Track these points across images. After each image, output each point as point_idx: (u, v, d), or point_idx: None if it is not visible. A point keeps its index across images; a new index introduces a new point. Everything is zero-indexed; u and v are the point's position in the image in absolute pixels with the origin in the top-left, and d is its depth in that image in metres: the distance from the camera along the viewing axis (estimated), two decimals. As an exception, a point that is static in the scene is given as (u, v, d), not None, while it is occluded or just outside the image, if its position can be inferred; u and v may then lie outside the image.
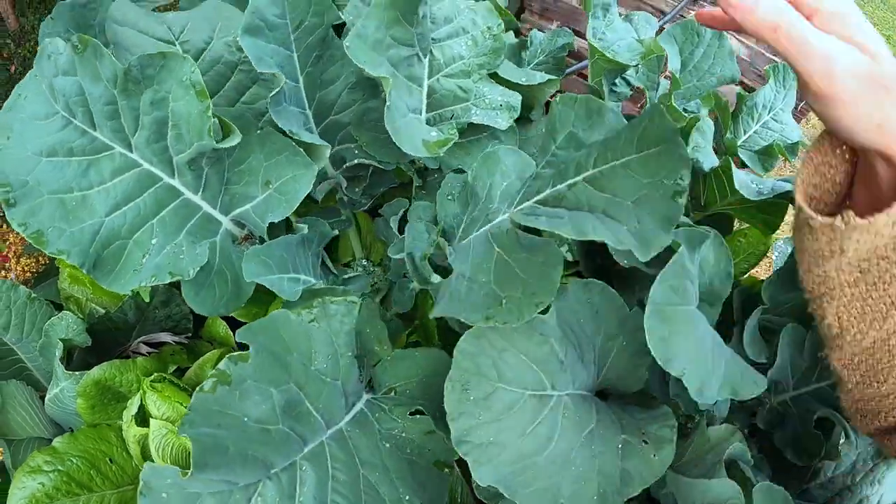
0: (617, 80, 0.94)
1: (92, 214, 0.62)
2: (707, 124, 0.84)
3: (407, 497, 0.64)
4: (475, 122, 0.75)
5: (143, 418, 0.77)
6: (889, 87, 0.44)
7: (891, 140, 0.44)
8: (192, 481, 0.49)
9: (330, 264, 0.79)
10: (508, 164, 0.67)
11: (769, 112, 1.02)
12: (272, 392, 0.57)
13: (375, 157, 0.77)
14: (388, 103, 0.67)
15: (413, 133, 0.69)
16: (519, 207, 0.61)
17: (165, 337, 0.86)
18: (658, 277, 0.54)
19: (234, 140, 0.61)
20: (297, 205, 0.67)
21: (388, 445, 0.66)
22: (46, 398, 0.82)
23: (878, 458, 0.84)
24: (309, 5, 0.72)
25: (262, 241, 0.70)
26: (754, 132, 1.00)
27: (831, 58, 0.44)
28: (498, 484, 0.60)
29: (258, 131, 0.68)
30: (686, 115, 0.79)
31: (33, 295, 0.83)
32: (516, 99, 0.77)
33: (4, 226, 1.87)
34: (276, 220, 0.66)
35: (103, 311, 0.87)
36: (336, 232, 0.77)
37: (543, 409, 0.62)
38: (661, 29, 1.01)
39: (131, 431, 0.77)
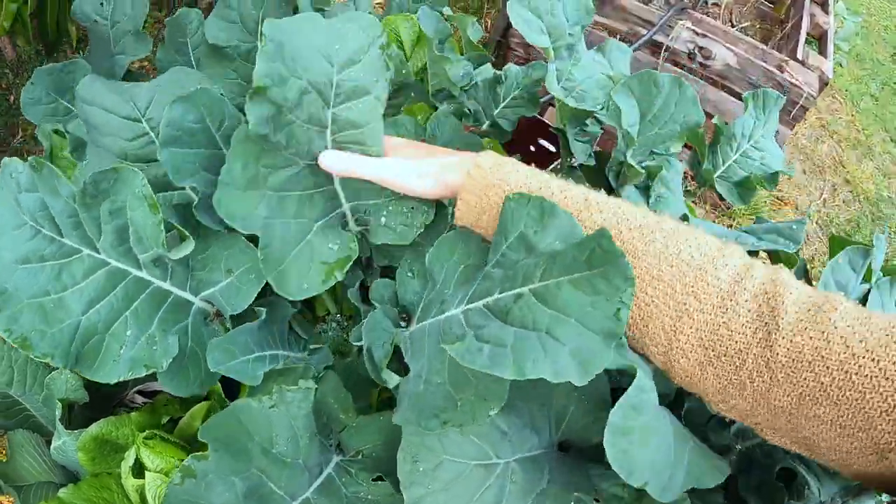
0: (587, 120, 0.94)
1: (69, 314, 0.67)
2: (673, 171, 0.85)
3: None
4: (386, 224, 0.77)
5: (139, 469, 0.85)
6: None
7: None
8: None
9: (299, 330, 0.84)
10: (461, 252, 0.70)
11: (749, 140, 1.01)
12: (234, 481, 0.62)
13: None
14: (266, 248, 0.69)
15: (304, 270, 0.72)
16: (469, 307, 0.64)
17: (158, 386, 0.93)
18: (618, 403, 0.56)
19: (187, 249, 0.65)
20: (255, 295, 0.71)
21: (351, 508, 0.73)
22: (52, 447, 0.90)
23: (848, 496, 0.86)
24: (223, 105, 0.74)
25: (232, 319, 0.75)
26: (734, 162, 1.00)
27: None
28: (451, 552, 0.66)
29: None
30: (642, 169, 0.80)
31: (33, 356, 0.89)
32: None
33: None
34: (238, 311, 0.71)
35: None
36: (295, 309, 0.81)
37: (490, 476, 0.67)
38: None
39: (129, 482, 0.84)
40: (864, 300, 0.97)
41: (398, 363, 0.71)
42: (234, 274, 0.73)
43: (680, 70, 1.96)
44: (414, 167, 0.70)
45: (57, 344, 0.66)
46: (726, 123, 1.00)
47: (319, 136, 0.71)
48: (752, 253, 0.85)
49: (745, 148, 1.01)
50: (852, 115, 3.57)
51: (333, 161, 0.70)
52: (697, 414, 0.87)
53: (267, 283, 0.72)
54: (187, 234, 0.65)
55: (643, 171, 0.80)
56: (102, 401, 0.92)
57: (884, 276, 0.97)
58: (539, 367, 0.56)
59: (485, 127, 0.98)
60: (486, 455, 0.67)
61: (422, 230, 0.76)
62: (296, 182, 0.73)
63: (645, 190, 0.85)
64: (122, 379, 0.68)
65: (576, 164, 0.93)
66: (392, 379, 0.67)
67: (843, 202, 3.12)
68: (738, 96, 1.89)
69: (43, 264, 0.66)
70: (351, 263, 0.74)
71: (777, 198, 3.00)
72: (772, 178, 0.92)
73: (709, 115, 1.21)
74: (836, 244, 0.98)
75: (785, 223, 0.91)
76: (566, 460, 0.76)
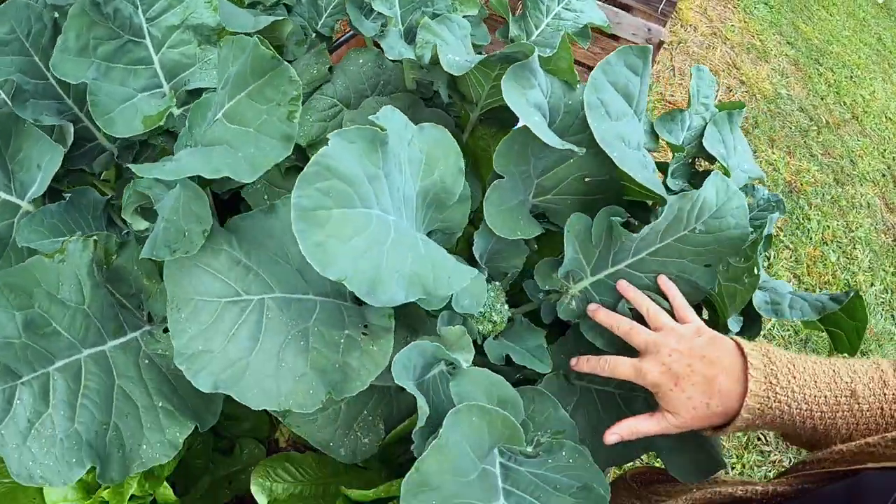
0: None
1: None
2: (454, 19, 0.86)
3: (160, 403, 0.75)
4: (201, 86, 0.81)
5: None
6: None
7: None
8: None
9: (120, 222, 0.89)
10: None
11: (559, 3, 1.00)
12: (15, 314, 0.69)
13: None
14: (94, 98, 0.75)
15: (129, 116, 0.77)
16: (192, 147, 0.68)
17: None
18: (297, 182, 0.56)
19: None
20: (50, 178, 0.77)
21: (146, 361, 0.77)
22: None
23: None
24: (30, 13, 0.81)
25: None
26: (547, 26, 0.99)
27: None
28: (219, 388, 0.69)
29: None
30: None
31: None
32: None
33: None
34: (38, 194, 0.78)
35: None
36: (105, 198, 0.86)
37: (243, 313, 0.70)
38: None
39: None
40: (699, 135, 0.94)
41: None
42: (42, 168, 0.79)
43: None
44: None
45: None
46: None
47: (135, 12, 0.79)
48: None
49: (556, 10, 1.00)
50: (745, 23, 3.67)
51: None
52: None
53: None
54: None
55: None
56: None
57: (720, 111, 0.94)
58: (240, 169, 0.61)
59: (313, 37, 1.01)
60: (234, 292, 0.70)
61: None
62: (123, 54, 0.80)
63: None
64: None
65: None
66: (140, 223, 0.71)
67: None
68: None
69: None
70: (168, 112, 0.80)
71: (667, 101, 3.02)
72: (582, 32, 0.91)
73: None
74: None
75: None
76: (348, 306, 0.77)
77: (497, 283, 0.86)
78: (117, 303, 0.79)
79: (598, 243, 0.80)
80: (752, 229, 0.76)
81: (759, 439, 2.25)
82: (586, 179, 0.86)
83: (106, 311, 0.76)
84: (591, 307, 0.82)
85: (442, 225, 0.79)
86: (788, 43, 3.76)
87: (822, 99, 3.54)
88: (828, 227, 2.95)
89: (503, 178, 0.80)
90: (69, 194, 0.83)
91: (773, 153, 3.15)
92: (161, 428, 0.74)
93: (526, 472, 0.70)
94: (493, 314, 0.82)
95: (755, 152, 3.11)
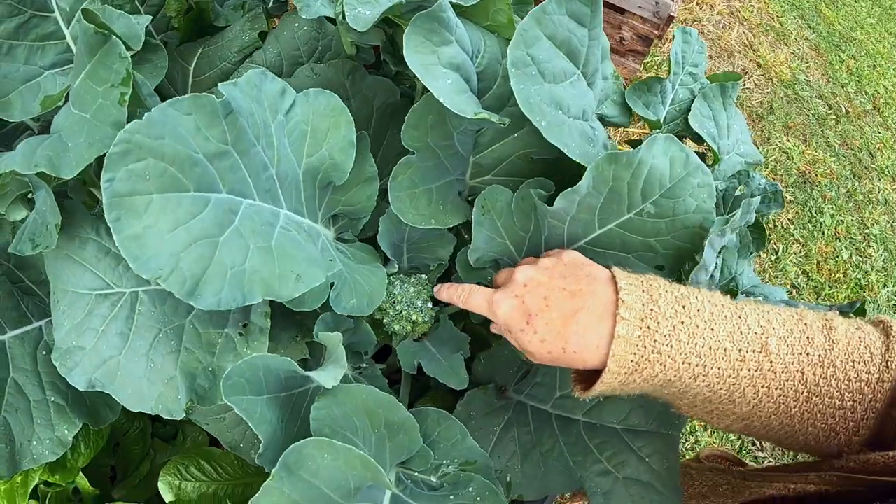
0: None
1: None
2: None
3: (52, 398, 0.72)
4: None
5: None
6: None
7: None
8: None
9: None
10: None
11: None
12: None
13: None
14: None
15: (29, 97, 0.72)
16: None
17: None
18: (105, 163, 0.48)
19: None
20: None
21: (44, 353, 0.73)
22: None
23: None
24: None
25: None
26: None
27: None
28: (95, 387, 0.64)
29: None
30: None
31: None
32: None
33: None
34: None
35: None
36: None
37: (114, 307, 0.64)
38: None
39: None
40: (686, 111, 0.76)
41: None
42: None
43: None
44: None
45: None
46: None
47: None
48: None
49: None
50: (765, 3, 3.45)
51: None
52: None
53: None
54: None
55: None
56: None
57: (711, 82, 0.75)
58: (63, 163, 0.55)
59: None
60: (104, 284, 0.65)
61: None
62: (28, 31, 0.74)
63: None
64: None
65: None
66: (17, 213, 0.67)
67: (756, 85, 3.01)
68: None
69: None
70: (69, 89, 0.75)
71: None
72: None
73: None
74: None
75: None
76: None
77: (422, 275, 0.74)
78: (23, 290, 0.76)
79: (524, 225, 0.66)
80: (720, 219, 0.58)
81: (753, 445, 2.03)
82: (533, 157, 0.72)
83: (5, 300, 0.73)
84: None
85: (344, 208, 0.69)
86: (810, 27, 3.49)
87: (842, 87, 3.25)
88: (841, 221, 2.68)
89: (413, 154, 0.67)
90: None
91: (788, 141, 2.88)
92: (51, 424, 0.71)
93: (420, 508, 0.60)
94: (413, 313, 0.71)
95: (768, 139, 2.83)
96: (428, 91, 0.69)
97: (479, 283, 0.73)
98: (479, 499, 0.61)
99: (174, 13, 0.93)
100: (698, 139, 0.73)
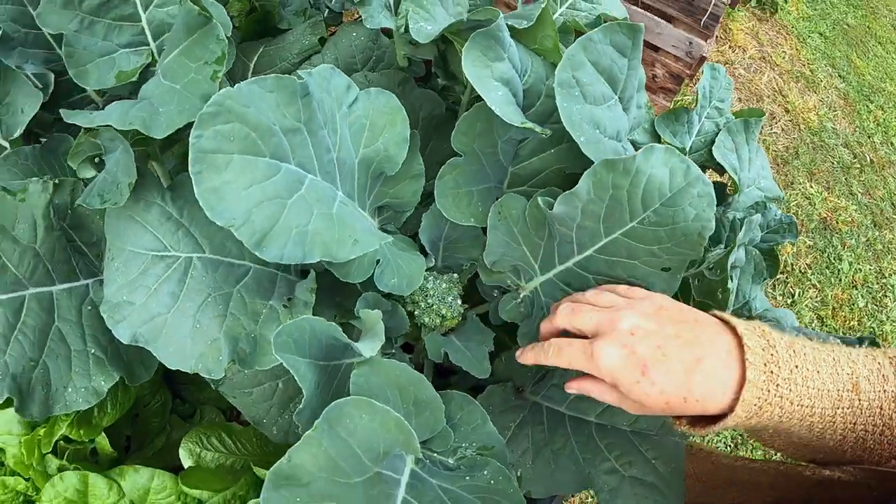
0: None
1: None
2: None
3: (93, 350, 0.75)
4: None
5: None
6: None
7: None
8: None
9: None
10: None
11: (579, -8, 0.91)
12: None
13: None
14: (70, 49, 0.76)
15: (105, 70, 0.78)
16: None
17: None
18: (196, 121, 0.53)
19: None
20: (27, 122, 0.80)
21: (90, 308, 0.77)
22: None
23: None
24: None
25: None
26: (560, 16, 0.91)
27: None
28: (138, 341, 0.68)
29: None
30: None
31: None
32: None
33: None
34: (14, 136, 0.81)
35: None
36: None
37: (168, 269, 0.69)
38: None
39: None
40: (710, 143, 0.82)
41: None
42: (25, 112, 0.82)
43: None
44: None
45: None
46: None
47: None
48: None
49: (570, 0, 0.91)
50: (797, 50, 3.52)
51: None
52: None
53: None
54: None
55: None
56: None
57: (737, 118, 0.82)
58: (154, 124, 0.60)
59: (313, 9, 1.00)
60: (162, 247, 0.69)
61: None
62: (109, 9, 0.81)
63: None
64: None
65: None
66: (86, 172, 0.72)
67: (782, 130, 3.07)
68: (647, 8, 1.70)
69: None
70: (142, 68, 0.81)
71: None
72: (595, 24, 0.82)
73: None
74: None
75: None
76: (285, 277, 0.74)
77: (454, 275, 0.79)
78: (75, 249, 0.80)
79: (538, 232, 0.71)
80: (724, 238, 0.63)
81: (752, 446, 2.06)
82: (566, 172, 0.78)
83: (59, 254, 0.78)
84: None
85: (390, 201, 0.74)
86: (840, 76, 3.56)
87: (868, 137, 3.31)
88: (859, 270, 2.71)
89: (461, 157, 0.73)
90: (45, 139, 0.86)
91: (811, 187, 2.93)
92: (89, 374, 0.74)
93: (436, 485, 0.63)
94: (443, 307, 0.75)
95: (792, 183, 2.89)
96: (476, 103, 0.76)
97: (499, 287, 0.77)
98: (493, 482, 0.64)
99: (236, 13, 1.00)
100: (721, 170, 0.79)
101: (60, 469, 0.82)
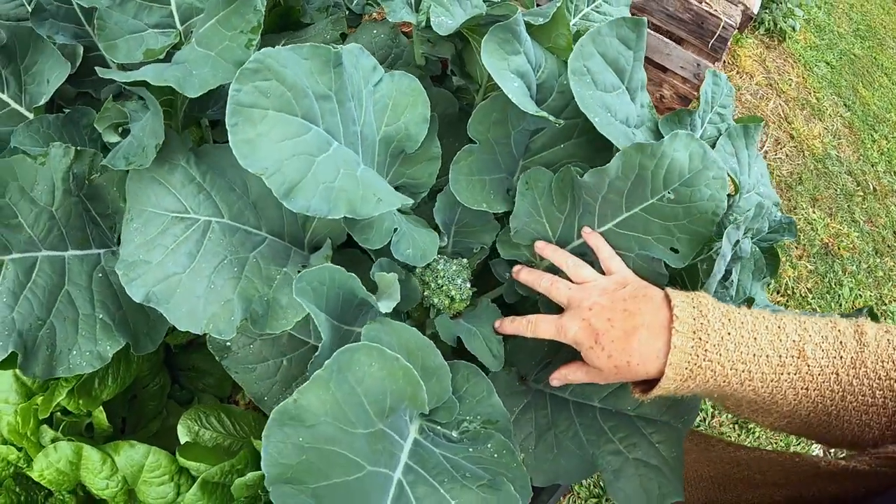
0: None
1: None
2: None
3: (101, 315, 0.75)
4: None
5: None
6: None
7: None
8: None
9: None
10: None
11: (589, 3, 0.97)
12: None
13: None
14: (101, 23, 0.80)
15: (133, 46, 0.81)
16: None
17: None
18: (236, 76, 0.56)
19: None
20: (53, 91, 0.83)
21: (100, 275, 0.78)
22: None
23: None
24: None
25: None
26: (573, 25, 0.96)
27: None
28: (150, 301, 0.68)
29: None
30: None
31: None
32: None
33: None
34: (40, 103, 0.83)
35: None
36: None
37: (187, 230, 0.70)
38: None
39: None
40: (711, 146, 0.86)
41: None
42: (51, 82, 0.85)
43: None
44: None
45: None
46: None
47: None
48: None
49: (585, 11, 0.97)
50: (803, 78, 3.60)
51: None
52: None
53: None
54: (5, 32, 0.81)
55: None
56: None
57: (737, 124, 0.86)
58: (188, 84, 0.63)
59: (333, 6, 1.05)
60: (183, 208, 0.71)
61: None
62: None
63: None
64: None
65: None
66: (112, 137, 0.74)
67: (787, 156, 3.12)
68: (657, 29, 1.78)
69: None
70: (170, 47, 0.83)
71: (710, 144, 2.91)
72: None
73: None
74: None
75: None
76: (297, 251, 0.75)
77: (464, 259, 0.81)
78: (90, 218, 0.81)
79: (560, 205, 0.73)
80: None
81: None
82: (576, 166, 0.81)
83: (74, 220, 0.79)
84: (515, 268, 0.76)
85: (407, 181, 0.76)
86: (845, 105, 3.64)
87: (872, 165, 3.38)
88: (860, 295, 2.73)
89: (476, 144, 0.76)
90: (67, 110, 0.88)
91: (814, 213, 2.97)
92: (95, 338, 0.74)
93: (439, 455, 0.63)
94: (452, 288, 0.76)
95: (795, 208, 2.94)
96: (490, 96, 0.79)
97: (518, 262, 0.79)
98: (495, 455, 0.64)
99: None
100: (722, 172, 0.83)
101: (54, 441, 0.80)
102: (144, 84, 0.63)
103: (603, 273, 0.71)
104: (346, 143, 0.65)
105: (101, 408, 0.83)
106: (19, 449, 0.80)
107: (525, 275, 0.75)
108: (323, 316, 0.57)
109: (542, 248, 0.75)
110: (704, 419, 2.01)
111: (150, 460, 0.81)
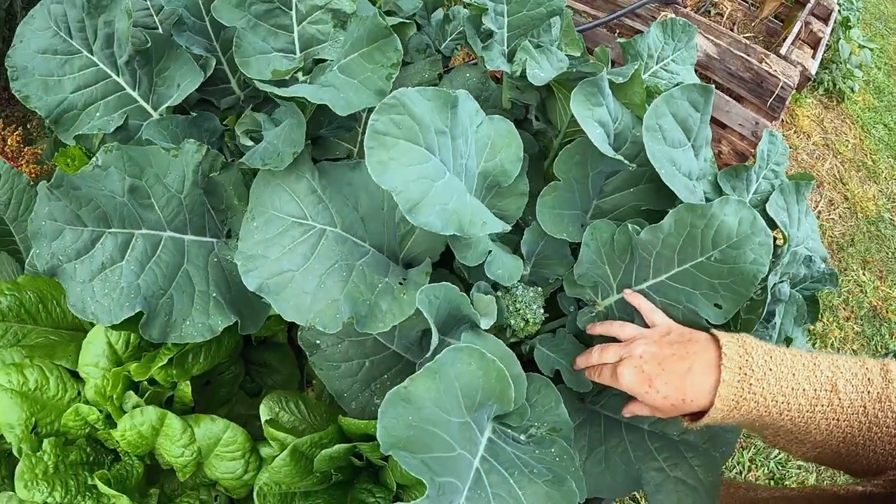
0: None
1: (62, 90, 0.95)
2: (554, 52, 0.96)
3: (214, 294, 0.85)
4: (326, 59, 0.96)
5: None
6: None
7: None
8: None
9: (226, 153, 1.04)
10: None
11: (658, 62, 1.08)
12: (126, 177, 0.82)
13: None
14: (239, 40, 0.90)
15: (262, 65, 0.91)
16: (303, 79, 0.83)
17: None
18: (376, 108, 0.66)
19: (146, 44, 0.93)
20: (186, 95, 0.94)
21: (215, 260, 0.88)
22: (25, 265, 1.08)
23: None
24: None
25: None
26: (644, 81, 1.06)
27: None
28: (262, 291, 0.78)
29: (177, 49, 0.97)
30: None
31: (31, 183, 1.10)
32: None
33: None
34: (170, 105, 0.94)
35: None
36: (223, 128, 1.02)
37: (304, 234, 0.80)
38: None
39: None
40: (764, 201, 0.95)
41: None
42: (181, 87, 0.96)
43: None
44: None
45: (47, 105, 0.93)
46: (629, 41, 1.08)
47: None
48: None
49: (654, 69, 1.08)
50: (860, 140, 3.61)
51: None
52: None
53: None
54: (148, 38, 0.92)
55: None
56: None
57: (790, 180, 0.95)
58: (338, 104, 0.75)
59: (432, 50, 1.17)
60: (303, 215, 0.81)
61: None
62: (270, 17, 0.94)
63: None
64: (82, 132, 0.93)
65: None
66: (247, 141, 0.84)
67: (840, 217, 3.14)
68: (718, 86, 1.88)
69: (54, 56, 0.96)
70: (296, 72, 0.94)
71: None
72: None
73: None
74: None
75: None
76: (395, 266, 0.85)
77: (539, 288, 0.90)
78: (206, 210, 0.92)
79: (621, 255, 0.83)
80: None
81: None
82: (642, 209, 0.91)
83: (197, 208, 0.89)
84: (590, 325, 0.85)
85: (497, 212, 0.86)
86: None
87: None
88: None
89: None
90: (195, 114, 0.99)
91: (864, 275, 2.98)
92: (207, 313, 0.84)
93: (510, 451, 0.71)
94: (528, 313, 0.86)
95: (845, 269, 2.96)
96: (570, 140, 0.90)
97: (578, 301, 0.88)
98: (557, 459, 0.73)
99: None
100: (773, 225, 0.92)
101: (136, 406, 0.88)
102: (293, 99, 0.74)
103: (646, 325, 0.80)
104: (454, 173, 0.75)
105: (188, 381, 0.91)
106: (100, 411, 0.88)
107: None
108: (433, 324, 0.67)
109: (591, 328, 0.85)
110: (741, 472, 2.04)
111: (227, 435, 0.89)
